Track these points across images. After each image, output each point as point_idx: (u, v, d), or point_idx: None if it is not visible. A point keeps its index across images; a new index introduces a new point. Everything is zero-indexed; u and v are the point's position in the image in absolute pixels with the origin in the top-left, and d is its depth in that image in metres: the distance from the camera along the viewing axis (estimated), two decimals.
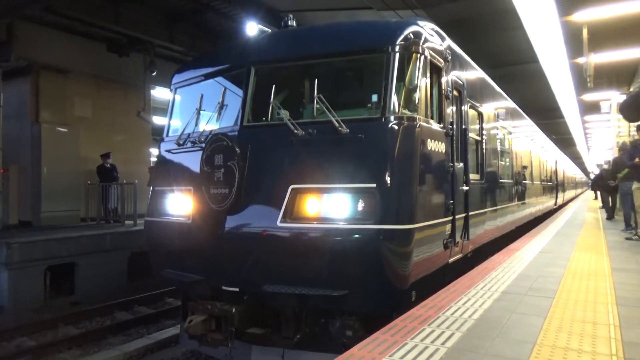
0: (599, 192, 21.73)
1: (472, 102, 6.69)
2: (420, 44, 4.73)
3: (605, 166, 15.12)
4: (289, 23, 5.71)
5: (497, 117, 8.73)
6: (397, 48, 4.55)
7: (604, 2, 9.21)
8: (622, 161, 10.53)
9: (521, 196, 11.25)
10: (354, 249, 4.16)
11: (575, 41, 11.53)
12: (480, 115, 7.31)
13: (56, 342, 7.53)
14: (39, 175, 12.39)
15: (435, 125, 5.00)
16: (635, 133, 9.95)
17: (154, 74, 13.57)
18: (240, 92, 5.09)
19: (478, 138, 7.23)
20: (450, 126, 5.38)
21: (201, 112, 5.51)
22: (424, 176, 4.64)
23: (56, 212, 12.44)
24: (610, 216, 14.47)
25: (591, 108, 20.40)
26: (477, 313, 3.99)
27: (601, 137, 30.61)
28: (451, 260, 5.52)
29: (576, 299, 4.52)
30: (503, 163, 9.31)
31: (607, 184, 13.58)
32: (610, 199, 14.61)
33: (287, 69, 5.31)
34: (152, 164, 15.09)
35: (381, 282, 4.25)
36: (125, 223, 12.30)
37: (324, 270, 4.29)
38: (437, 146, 4.95)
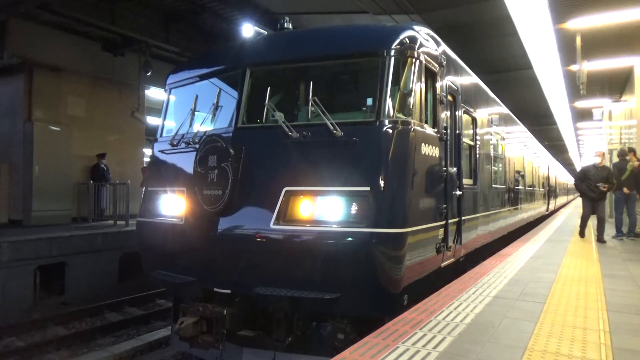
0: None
1: (466, 107, 6.73)
2: (416, 48, 4.75)
3: (597, 160, 9.91)
4: (285, 25, 5.72)
5: (490, 123, 8.78)
6: (392, 52, 4.57)
7: (598, 11, 9.30)
8: (623, 167, 10.27)
9: (513, 202, 11.32)
10: (346, 252, 4.16)
11: (568, 49, 11.63)
12: (474, 120, 7.35)
13: (45, 343, 7.45)
14: (31, 174, 12.27)
15: (429, 130, 5.02)
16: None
17: (149, 74, 13.52)
18: (235, 93, 5.09)
19: (472, 143, 7.27)
20: (444, 131, 5.40)
21: (195, 113, 5.51)
22: (418, 180, 4.65)
23: (47, 211, 12.32)
24: (601, 237, 9.92)
25: (583, 115, 20.56)
26: (469, 317, 4.00)
27: (593, 144, 30.86)
28: (443, 264, 5.53)
29: (567, 304, 4.55)
30: (496, 168, 9.37)
31: (595, 188, 9.62)
32: (595, 209, 9.97)
33: (282, 71, 5.32)
34: (145, 165, 15.04)
35: (373, 285, 4.25)
36: (117, 223, 12.23)
37: (317, 273, 4.28)
38: (431, 150, 4.97)
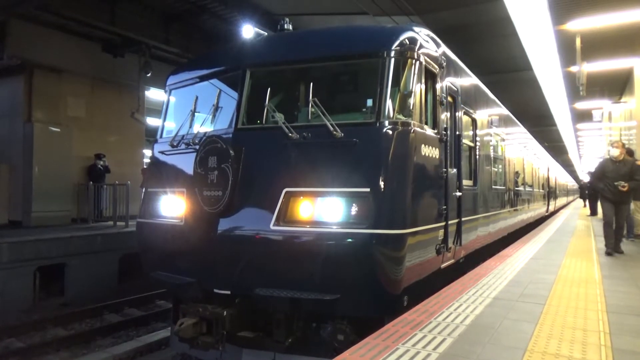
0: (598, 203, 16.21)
1: (466, 108, 6.73)
2: (416, 49, 4.76)
3: (614, 152, 7.94)
4: (285, 26, 5.72)
5: (490, 124, 8.79)
6: (392, 53, 4.57)
7: (597, 12, 9.31)
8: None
9: (513, 203, 11.31)
10: (346, 253, 4.16)
11: (568, 50, 11.65)
12: (474, 121, 7.35)
13: (44, 344, 7.45)
14: (30, 175, 12.29)
15: (429, 131, 5.02)
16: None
17: (149, 75, 13.54)
18: (235, 94, 5.09)
19: (471, 144, 7.27)
20: (444, 132, 5.40)
21: (196, 114, 5.51)
22: (418, 181, 4.65)
23: (47, 212, 12.34)
24: (617, 247, 8.25)
25: (583, 116, 20.59)
26: (469, 319, 4.00)
27: (593, 145, 30.89)
28: (443, 265, 5.53)
29: (567, 305, 4.54)
30: (496, 169, 9.36)
31: (614, 188, 7.79)
32: (617, 214, 8.13)
33: (282, 72, 5.32)
34: (145, 166, 15.05)
35: (373, 286, 4.25)
36: (117, 224, 12.23)
37: (317, 274, 4.28)
38: (431, 152, 4.97)
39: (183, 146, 5.32)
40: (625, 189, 7.66)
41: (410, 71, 4.68)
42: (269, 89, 4.87)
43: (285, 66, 5.19)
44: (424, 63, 4.90)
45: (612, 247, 8.11)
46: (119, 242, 10.95)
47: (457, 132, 6.08)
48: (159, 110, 7.01)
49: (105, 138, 14.41)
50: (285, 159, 4.61)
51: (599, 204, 16.80)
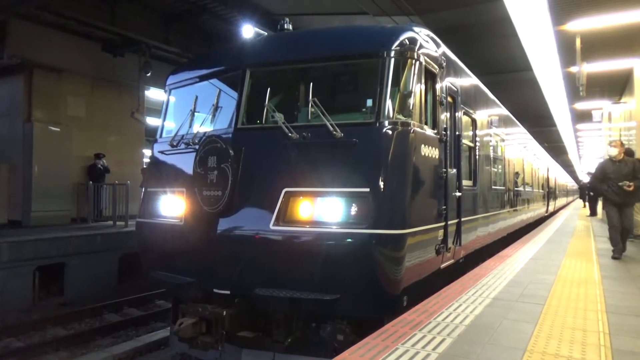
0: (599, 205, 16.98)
1: (466, 108, 6.73)
2: (416, 50, 4.76)
3: (613, 152, 7.70)
4: (285, 26, 5.72)
5: (490, 124, 8.79)
6: (392, 53, 4.58)
7: (597, 13, 9.31)
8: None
9: (513, 203, 11.31)
10: (346, 253, 4.16)
11: (568, 50, 11.62)
12: (473, 121, 7.35)
13: (44, 344, 7.45)
14: (30, 175, 12.29)
15: (429, 131, 5.02)
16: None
17: (149, 74, 13.54)
18: (235, 94, 5.09)
19: (471, 144, 7.27)
20: (444, 132, 5.40)
21: (195, 113, 5.51)
22: (417, 181, 4.65)
23: (47, 211, 12.34)
24: (623, 248, 7.93)
25: (583, 117, 20.57)
26: (469, 319, 4.00)
27: (592, 146, 30.87)
28: (443, 265, 5.53)
29: (566, 306, 4.54)
30: (495, 170, 9.37)
31: (618, 189, 7.47)
32: (622, 217, 7.72)
33: (282, 72, 5.32)
34: (144, 166, 15.06)
35: (373, 286, 4.25)
36: (116, 224, 12.23)
37: (316, 274, 4.28)
38: (430, 152, 4.97)
39: (183, 146, 5.32)
40: (631, 188, 7.35)
41: (410, 71, 4.68)
42: (268, 88, 4.87)
43: (285, 66, 5.20)
44: (423, 63, 4.90)
45: (620, 252, 7.81)
46: (118, 241, 10.94)
47: (457, 133, 6.08)
48: (158, 110, 7.01)
49: (105, 138, 14.41)
50: (285, 159, 4.61)
51: (599, 204, 16.75)
